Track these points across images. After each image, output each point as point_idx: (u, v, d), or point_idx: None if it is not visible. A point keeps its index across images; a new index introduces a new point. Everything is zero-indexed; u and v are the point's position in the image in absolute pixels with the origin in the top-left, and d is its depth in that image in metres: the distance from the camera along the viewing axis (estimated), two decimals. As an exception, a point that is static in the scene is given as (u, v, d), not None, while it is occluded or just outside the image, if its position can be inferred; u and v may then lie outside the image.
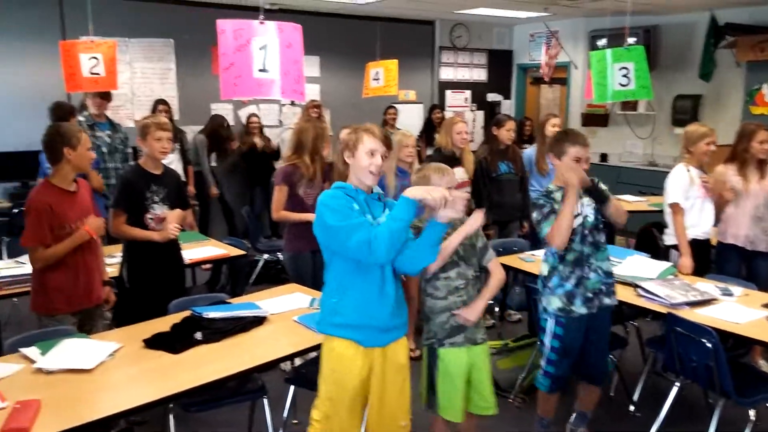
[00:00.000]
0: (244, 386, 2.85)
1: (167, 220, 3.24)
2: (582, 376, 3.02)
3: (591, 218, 2.81)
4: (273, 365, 2.64)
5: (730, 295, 3.25)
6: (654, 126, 7.78)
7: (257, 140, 6.53)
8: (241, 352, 2.55)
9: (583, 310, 2.82)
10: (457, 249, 2.58)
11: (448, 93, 8.68)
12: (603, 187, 2.88)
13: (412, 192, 2.17)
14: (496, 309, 4.38)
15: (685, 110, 7.26)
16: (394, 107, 7.19)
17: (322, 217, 2.22)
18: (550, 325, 2.88)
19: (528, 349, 3.77)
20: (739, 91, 6.87)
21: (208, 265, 4.56)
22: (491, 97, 9.02)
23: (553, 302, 2.85)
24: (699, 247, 3.77)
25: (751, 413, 2.85)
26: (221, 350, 2.56)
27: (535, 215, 2.83)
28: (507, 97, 9.19)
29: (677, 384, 3.08)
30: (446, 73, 8.67)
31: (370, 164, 2.24)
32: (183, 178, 5.66)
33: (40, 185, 2.90)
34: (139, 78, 6.44)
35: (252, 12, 2.84)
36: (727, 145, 4.04)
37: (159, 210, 3.24)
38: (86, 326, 2.97)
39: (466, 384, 2.65)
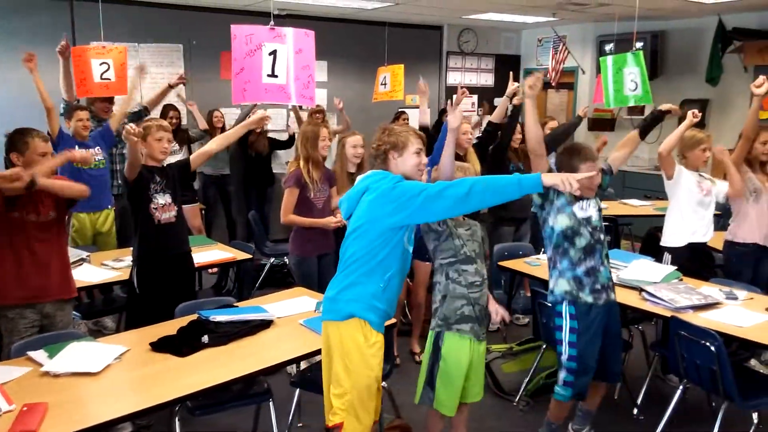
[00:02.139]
0: (249, 389, 2.88)
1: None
2: (598, 374, 2.99)
3: (596, 218, 2.89)
4: (279, 368, 2.67)
5: (735, 298, 3.25)
6: (660, 131, 7.73)
7: (262, 143, 6.58)
8: (248, 355, 2.58)
9: (589, 299, 2.85)
10: (472, 247, 2.70)
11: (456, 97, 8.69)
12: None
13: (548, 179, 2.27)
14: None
15: (693, 115, 7.24)
16: (406, 112, 7.21)
17: (400, 188, 2.32)
18: (564, 308, 2.87)
19: (532, 353, 3.78)
20: (745, 96, 6.81)
21: (215, 269, 4.61)
22: (498, 101, 9.02)
23: (561, 284, 2.89)
24: (698, 250, 3.81)
25: (754, 416, 2.85)
26: (227, 353, 2.59)
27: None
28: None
29: (680, 387, 3.09)
30: (453, 78, 8.69)
31: (419, 163, 2.47)
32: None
33: None
34: (148, 83, 6.49)
35: (262, 18, 2.88)
36: (732, 150, 4.05)
37: (162, 200, 3.29)
38: (46, 324, 2.97)
39: (464, 378, 2.72)
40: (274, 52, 2.98)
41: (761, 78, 3.55)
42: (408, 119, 7.11)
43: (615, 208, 5.87)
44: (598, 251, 2.87)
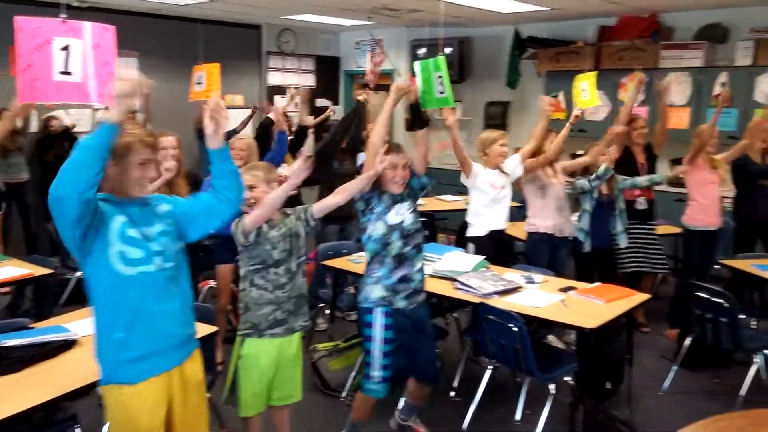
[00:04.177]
0: (53, 417, 2.62)
1: None
2: (416, 375, 3.12)
3: (408, 222, 2.91)
4: (87, 391, 2.45)
5: (533, 282, 3.60)
6: (470, 131, 8.37)
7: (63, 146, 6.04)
8: (48, 380, 2.35)
9: (402, 304, 2.91)
10: (284, 247, 2.66)
11: (277, 98, 8.64)
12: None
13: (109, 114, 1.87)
14: (327, 311, 4.45)
15: (496, 116, 7.89)
16: None
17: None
18: (378, 317, 2.88)
19: (358, 348, 3.86)
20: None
21: (5, 289, 4.13)
22: (320, 102, 9.14)
23: (375, 291, 2.88)
24: (497, 237, 4.18)
25: (551, 387, 3.18)
26: (23, 381, 2.34)
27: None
28: (335, 102, 9.37)
29: (490, 367, 3.36)
30: (274, 78, 8.64)
31: (141, 177, 2.06)
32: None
33: None
34: None
35: (56, 10, 2.63)
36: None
37: None
38: None
39: (267, 381, 2.71)
40: (67, 47, 2.73)
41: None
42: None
43: (431, 204, 6.22)
44: (411, 258, 2.91)
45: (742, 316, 3.63)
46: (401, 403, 3.30)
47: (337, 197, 2.80)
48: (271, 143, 4.65)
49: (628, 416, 3.45)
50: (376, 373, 2.92)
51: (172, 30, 7.39)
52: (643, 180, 4.50)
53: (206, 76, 5.66)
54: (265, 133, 4.94)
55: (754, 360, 3.55)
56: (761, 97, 6.08)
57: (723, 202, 4.75)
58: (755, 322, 4.07)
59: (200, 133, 6.78)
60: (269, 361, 2.68)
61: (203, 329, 2.83)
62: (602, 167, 4.22)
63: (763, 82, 6.06)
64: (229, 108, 7.77)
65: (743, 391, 3.51)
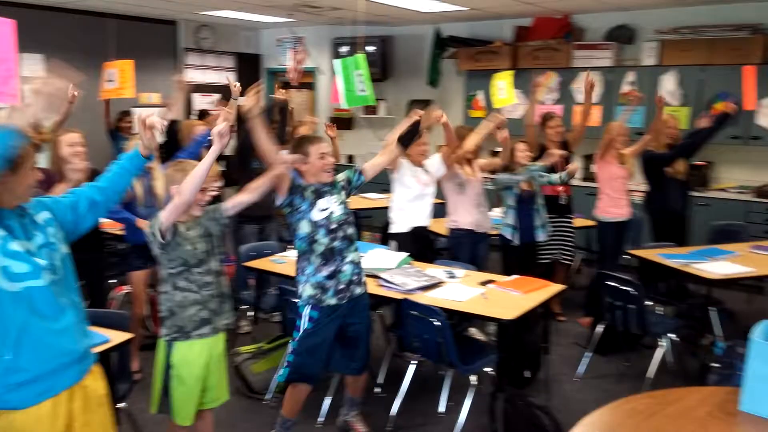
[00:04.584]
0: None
1: None
2: (337, 369, 3.16)
3: (337, 213, 2.94)
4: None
5: (454, 277, 3.67)
6: (392, 129, 8.42)
7: None
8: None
9: (333, 301, 2.94)
10: (204, 247, 2.60)
11: (196, 96, 8.42)
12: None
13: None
14: (250, 313, 4.37)
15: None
16: (129, 113, 6.71)
17: None
18: (306, 310, 2.96)
19: (282, 349, 3.82)
20: (460, 97, 7.78)
21: None
22: (242, 100, 8.96)
23: (306, 290, 2.95)
24: (419, 233, 4.27)
25: (473, 378, 3.26)
26: None
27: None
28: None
29: (414, 362, 3.40)
30: (192, 76, 8.39)
31: (33, 181, 1.91)
32: None
33: None
34: None
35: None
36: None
37: None
38: None
39: (201, 384, 2.64)
40: (-41, 41, 2.56)
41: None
42: (131, 122, 6.62)
43: (356, 202, 6.22)
44: (340, 251, 2.94)
45: (648, 303, 3.84)
46: (326, 401, 3.30)
47: (249, 195, 2.78)
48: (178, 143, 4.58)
49: (546, 402, 3.57)
50: (286, 355, 3.03)
51: (80, 25, 7.06)
52: (555, 177, 4.66)
53: (119, 74, 5.46)
54: (173, 131, 4.82)
55: (660, 343, 3.77)
56: (665, 95, 6.43)
57: (631, 195, 5.00)
58: (661, 308, 4.31)
59: (113, 134, 6.54)
60: (201, 362, 2.60)
61: (118, 336, 2.74)
62: (564, 174, 4.40)
63: (667, 80, 6.42)
64: (144, 107, 7.56)
65: (650, 373, 3.72)
